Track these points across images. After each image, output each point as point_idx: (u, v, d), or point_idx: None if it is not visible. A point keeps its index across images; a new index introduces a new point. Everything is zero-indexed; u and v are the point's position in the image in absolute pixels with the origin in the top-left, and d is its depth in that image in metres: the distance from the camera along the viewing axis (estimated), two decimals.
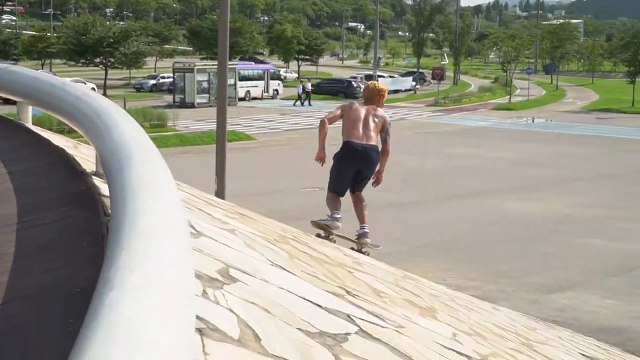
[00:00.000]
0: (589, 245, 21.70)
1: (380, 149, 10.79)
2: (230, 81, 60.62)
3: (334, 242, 10.08)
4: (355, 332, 4.06)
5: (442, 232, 22.75)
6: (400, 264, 16.49)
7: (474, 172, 35.43)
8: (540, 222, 24.53)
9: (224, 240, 4.86)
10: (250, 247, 5.08)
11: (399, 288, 6.61)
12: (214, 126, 19.81)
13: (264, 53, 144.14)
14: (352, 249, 10.39)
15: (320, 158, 10.67)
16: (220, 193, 17.79)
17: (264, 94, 78.63)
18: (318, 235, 10.04)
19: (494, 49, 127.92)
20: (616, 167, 38.47)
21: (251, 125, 53.49)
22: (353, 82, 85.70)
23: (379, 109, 10.66)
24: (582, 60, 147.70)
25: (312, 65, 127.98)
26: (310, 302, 4.24)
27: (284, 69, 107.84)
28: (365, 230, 10.75)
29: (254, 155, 40.15)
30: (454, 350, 4.85)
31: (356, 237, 10.84)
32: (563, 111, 77.45)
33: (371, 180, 11.03)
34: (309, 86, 75.01)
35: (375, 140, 10.52)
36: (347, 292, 5.01)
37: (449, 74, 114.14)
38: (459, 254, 20.31)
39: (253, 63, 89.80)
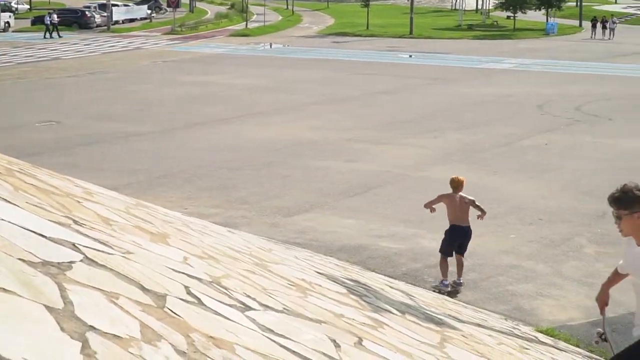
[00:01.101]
0: (327, 167, 22.16)
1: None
2: None
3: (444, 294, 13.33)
4: (81, 260, 3.99)
5: (183, 161, 22.70)
6: (141, 195, 16.39)
7: (213, 99, 35.49)
8: (279, 146, 24.86)
9: None
10: None
11: (130, 216, 6.53)
12: None
13: None
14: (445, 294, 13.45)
15: (429, 207, 14.13)
16: None
17: None
18: (434, 290, 13.41)
19: None
20: (352, 90, 39.37)
21: None
22: (87, 12, 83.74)
23: (463, 194, 14.01)
24: None
25: None
26: (34, 232, 4.13)
27: (15, 1, 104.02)
28: (461, 281, 13.71)
29: None
30: (184, 273, 4.84)
31: (452, 283, 13.69)
32: (299, 36, 78.45)
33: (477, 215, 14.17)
34: (55, 17, 72.81)
35: (468, 219, 13.88)
36: (74, 221, 4.91)
37: (185, 1, 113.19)
38: (200, 182, 20.35)
39: None
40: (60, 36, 70.56)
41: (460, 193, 14.09)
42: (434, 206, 14.10)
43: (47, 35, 70.67)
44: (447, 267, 13.80)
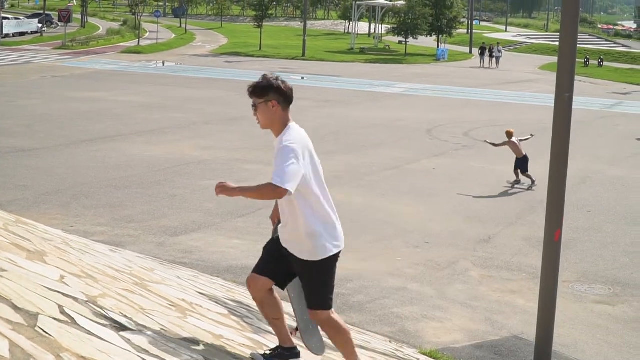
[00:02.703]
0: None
1: None
2: None
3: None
4: None
5: (70, 178, 22.38)
6: (26, 212, 16.12)
7: (102, 116, 35.10)
8: (168, 165, 24.70)
9: None
10: None
11: (8, 232, 6.41)
12: None
13: None
14: None
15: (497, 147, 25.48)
16: None
17: None
18: None
19: None
20: (243, 110, 39.26)
21: None
22: None
23: (517, 138, 25.40)
24: (211, 4, 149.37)
25: None
26: None
27: None
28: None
29: None
30: (60, 292, 4.77)
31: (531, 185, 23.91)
32: (192, 55, 78.18)
33: None
34: None
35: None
36: None
37: (77, 16, 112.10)
38: (87, 199, 20.08)
39: None
40: None
41: (515, 138, 24.28)
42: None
43: None
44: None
